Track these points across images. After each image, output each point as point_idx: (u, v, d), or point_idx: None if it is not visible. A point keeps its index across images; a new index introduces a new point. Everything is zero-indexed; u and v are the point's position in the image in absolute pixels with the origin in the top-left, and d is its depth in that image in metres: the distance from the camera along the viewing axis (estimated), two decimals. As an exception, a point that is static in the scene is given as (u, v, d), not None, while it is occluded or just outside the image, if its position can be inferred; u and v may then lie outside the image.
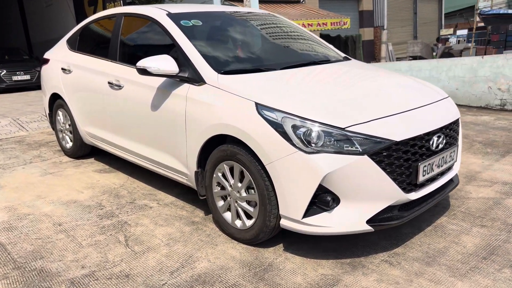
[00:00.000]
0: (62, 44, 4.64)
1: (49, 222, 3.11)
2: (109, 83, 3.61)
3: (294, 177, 2.28)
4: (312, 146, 2.26)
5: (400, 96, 2.77)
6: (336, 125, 2.28)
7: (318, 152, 2.24)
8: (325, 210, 2.32)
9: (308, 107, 2.40)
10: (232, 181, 2.68)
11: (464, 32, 25.28)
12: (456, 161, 2.87)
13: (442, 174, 2.72)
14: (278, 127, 2.34)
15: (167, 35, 3.19)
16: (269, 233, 2.55)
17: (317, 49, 3.68)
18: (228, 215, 2.80)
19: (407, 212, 2.47)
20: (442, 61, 6.98)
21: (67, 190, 3.76)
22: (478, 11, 9.08)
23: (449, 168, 2.82)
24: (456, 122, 2.82)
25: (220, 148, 2.66)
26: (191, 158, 2.91)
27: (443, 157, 2.62)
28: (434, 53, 21.18)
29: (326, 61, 3.42)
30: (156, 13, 3.35)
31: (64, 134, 4.73)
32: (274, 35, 3.64)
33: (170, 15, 3.31)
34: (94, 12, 14.02)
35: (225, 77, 2.78)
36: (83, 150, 4.61)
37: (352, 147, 2.25)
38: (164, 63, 2.88)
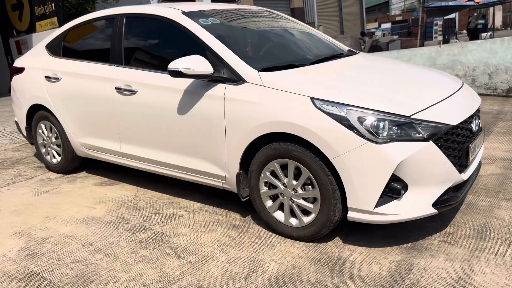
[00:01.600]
0: (40, 50, 4.25)
1: (77, 243, 2.85)
2: (117, 88, 3.38)
3: (365, 168, 2.30)
4: (380, 136, 2.29)
5: (436, 83, 2.89)
6: (401, 113, 2.34)
7: (388, 141, 2.28)
8: (395, 198, 2.37)
9: (367, 97, 2.43)
10: (285, 180, 2.64)
11: (388, 25, 26.96)
12: None
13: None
14: (342, 120, 2.34)
15: (187, 35, 3.06)
16: (332, 227, 2.55)
17: (327, 43, 3.72)
18: (279, 215, 2.75)
19: (459, 192, 2.59)
20: (402, 51, 7.40)
21: (76, 207, 3.46)
22: (422, 4, 9.77)
23: (478, 149, 3.00)
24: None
25: (271, 147, 2.61)
26: (232, 160, 2.82)
27: (479, 138, 2.79)
28: (362, 47, 22.33)
29: (341, 54, 3.47)
30: (170, 13, 3.19)
31: (49, 149, 4.34)
32: (285, 30, 3.63)
33: (186, 14, 3.17)
34: (20, 17, 12.95)
35: (266, 74, 2.72)
36: (74, 164, 4.27)
37: (418, 134, 2.32)
38: (199, 64, 2.76)
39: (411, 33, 25.28)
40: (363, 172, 2.31)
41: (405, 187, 2.36)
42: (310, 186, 2.57)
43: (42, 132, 4.34)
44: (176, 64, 2.76)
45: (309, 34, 3.77)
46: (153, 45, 3.39)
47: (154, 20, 3.32)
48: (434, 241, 2.59)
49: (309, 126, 2.40)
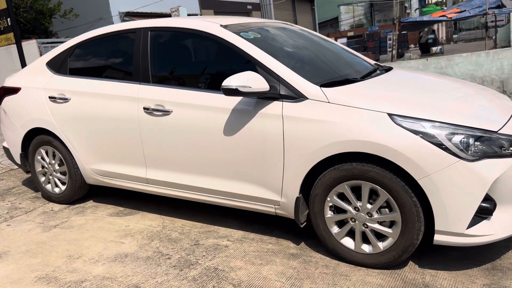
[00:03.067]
0: (39, 68, 3.82)
1: (120, 286, 2.50)
2: (145, 109, 3.07)
3: (457, 188, 2.17)
4: (470, 153, 2.17)
5: (495, 98, 2.83)
6: (490, 129, 2.24)
7: (479, 159, 2.17)
8: (484, 218, 2.25)
9: (450, 113, 2.32)
10: (358, 203, 2.45)
11: (344, 40, 27.77)
12: None
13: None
14: (428, 137, 2.21)
15: (231, 50, 2.83)
16: (412, 251, 2.38)
17: (357, 57, 3.61)
18: (348, 241, 2.56)
19: None
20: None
21: (100, 243, 3.07)
22: (398, 19, 10.07)
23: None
24: None
25: (342, 168, 2.42)
26: (292, 183, 2.60)
27: None
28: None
29: (378, 68, 3.36)
30: (208, 26, 2.95)
31: (51, 177, 3.89)
32: (319, 44, 3.47)
33: (226, 27, 2.94)
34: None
35: (330, 90, 2.55)
36: (81, 193, 3.84)
37: (505, 150, 2.22)
38: (255, 81, 2.55)
39: (366, 47, 26.26)
40: (455, 191, 2.18)
41: (494, 205, 2.25)
42: (386, 209, 2.40)
43: (42, 158, 3.88)
44: (231, 81, 2.53)
45: (339, 47, 3.64)
46: (188, 61, 3.12)
47: (188, 34, 3.06)
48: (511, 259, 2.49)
49: (391, 145, 2.24)
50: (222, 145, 2.80)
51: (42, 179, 3.97)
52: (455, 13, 9.43)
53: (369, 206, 2.43)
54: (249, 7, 26.88)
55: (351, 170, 2.40)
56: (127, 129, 3.21)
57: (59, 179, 3.86)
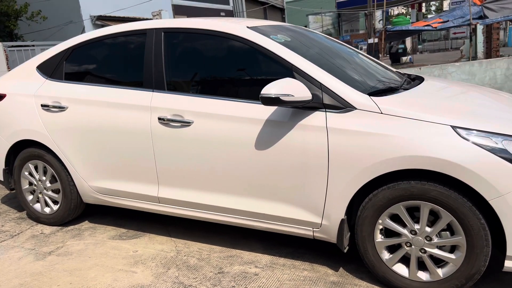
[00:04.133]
0: (27, 72, 3.39)
1: (144, 328, 2.13)
2: (161, 119, 2.72)
3: (535, 209, 1.95)
4: (547, 171, 1.97)
5: None
6: None
7: (557, 177, 1.96)
8: (558, 242, 2.05)
9: (517, 126, 2.11)
10: (416, 226, 2.20)
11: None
12: None
13: None
14: (501, 153, 1.99)
15: (262, 54, 2.55)
16: (477, 279, 2.15)
17: (379, 64, 3.38)
18: (401, 268, 2.30)
19: None
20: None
21: (107, 273, 2.68)
22: (384, 28, 10.07)
23: None
24: None
25: (398, 186, 2.17)
26: (336, 204, 2.33)
27: None
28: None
29: (412, 78, 3.14)
30: (235, 28, 2.65)
31: (40, 195, 3.44)
32: (344, 50, 3.22)
33: (254, 29, 2.65)
34: None
35: (380, 99, 2.30)
36: (75, 213, 3.42)
37: None
38: (297, 89, 2.27)
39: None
40: (532, 213, 1.96)
41: None
42: (447, 232, 2.16)
43: (30, 174, 3.43)
44: (270, 89, 2.24)
45: (359, 54, 3.41)
46: (210, 66, 2.79)
47: (209, 36, 2.74)
48: None
49: (459, 161, 2.01)
50: (252, 161, 2.49)
51: (30, 197, 3.51)
52: (439, 23, 9.53)
53: (428, 229, 2.18)
54: (223, 14, 26.62)
55: (409, 189, 2.14)
56: (137, 141, 2.84)
57: (50, 198, 3.42)
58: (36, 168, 3.41)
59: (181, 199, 2.81)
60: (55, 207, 3.40)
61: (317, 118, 2.33)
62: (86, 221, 3.53)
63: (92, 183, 3.15)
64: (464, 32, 21.04)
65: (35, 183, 3.43)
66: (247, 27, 2.67)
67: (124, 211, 3.59)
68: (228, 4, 28.26)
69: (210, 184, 2.69)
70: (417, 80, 2.98)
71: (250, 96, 2.54)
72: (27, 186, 3.50)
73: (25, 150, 3.38)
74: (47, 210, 3.45)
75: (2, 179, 3.58)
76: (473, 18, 9.25)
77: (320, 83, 2.35)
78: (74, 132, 3.08)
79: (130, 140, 2.87)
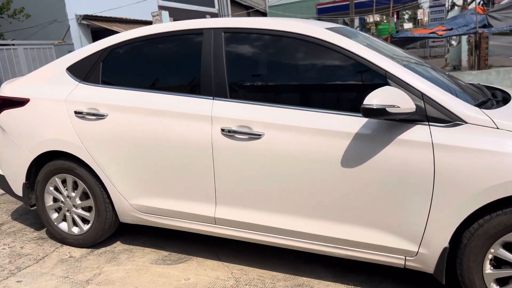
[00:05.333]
0: (56, 74, 3.00)
1: None
2: (223, 131, 2.40)
3: None
4: None
5: None
6: None
7: None
8: None
9: None
10: (535, 255, 1.95)
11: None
12: None
13: None
14: None
15: (348, 59, 2.27)
16: None
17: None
18: (511, 301, 2.04)
19: None
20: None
21: (164, 307, 2.33)
22: (390, 34, 9.99)
23: None
24: None
25: (519, 213, 1.91)
26: (439, 230, 2.07)
27: None
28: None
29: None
30: (314, 30, 2.36)
31: (68, 213, 3.05)
32: (417, 57, 2.95)
33: (335, 31, 2.37)
34: None
35: (491, 112, 2.05)
36: (108, 234, 3.04)
37: None
38: (401, 99, 2.00)
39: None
40: None
41: None
42: None
43: (56, 189, 3.04)
44: (373, 100, 1.97)
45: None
46: (283, 71, 2.48)
47: (282, 38, 2.44)
48: None
49: None
50: (337, 180, 2.20)
51: (54, 215, 3.11)
52: (443, 31, 9.51)
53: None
54: (208, 16, 26.22)
55: (531, 215, 1.90)
56: (193, 155, 2.51)
57: (79, 216, 3.03)
58: (63, 182, 3.02)
59: (244, 221, 2.49)
60: (85, 227, 3.02)
61: (419, 132, 2.06)
62: (118, 242, 3.16)
63: (134, 201, 2.79)
64: (442, 41, 21.23)
65: (62, 199, 3.04)
66: (326, 28, 2.38)
67: (160, 231, 3.23)
68: (214, 7, 27.94)
69: (282, 205, 2.38)
70: (498, 91, 2.75)
71: (334, 106, 2.27)
72: (52, 202, 3.10)
73: (52, 162, 2.98)
74: (75, 230, 3.06)
75: (21, 195, 3.17)
76: (480, 27, 9.25)
77: (422, 93, 2.09)
78: (114, 144, 2.72)
79: (184, 153, 2.53)
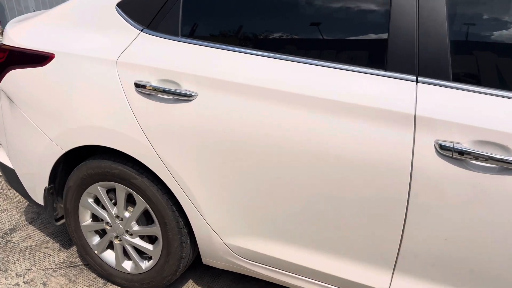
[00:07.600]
0: (99, 13, 1.75)
1: None
2: (443, 148, 1.22)
3: None
4: None
5: None
6: None
7: None
8: None
9: None
10: None
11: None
12: None
13: None
14: None
15: None
16: None
17: None
18: None
19: None
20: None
21: None
22: None
23: None
24: None
25: None
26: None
27: None
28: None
29: None
30: None
31: (117, 241, 1.94)
32: None
33: None
34: None
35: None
36: (177, 276, 1.95)
37: None
38: None
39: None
40: None
41: None
42: None
43: (97, 203, 1.92)
44: None
45: None
46: None
47: None
48: None
49: None
50: None
51: (95, 240, 2.01)
52: None
53: None
54: None
55: None
56: (364, 181, 1.35)
57: (135, 248, 1.93)
58: (110, 193, 1.88)
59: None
60: (145, 264, 1.92)
61: None
62: (190, 281, 2.08)
63: (231, 240, 1.67)
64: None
65: (108, 219, 1.92)
66: None
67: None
68: None
69: None
70: None
71: None
72: (90, 221, 1.99)
73: (93, 162, 1.82)
74: (127, 266, 1.97)
75: (40, 202, 2.04)
76: None
77: None
78: (207, 146, 1.55)
79: (350, 176, 1.37)
